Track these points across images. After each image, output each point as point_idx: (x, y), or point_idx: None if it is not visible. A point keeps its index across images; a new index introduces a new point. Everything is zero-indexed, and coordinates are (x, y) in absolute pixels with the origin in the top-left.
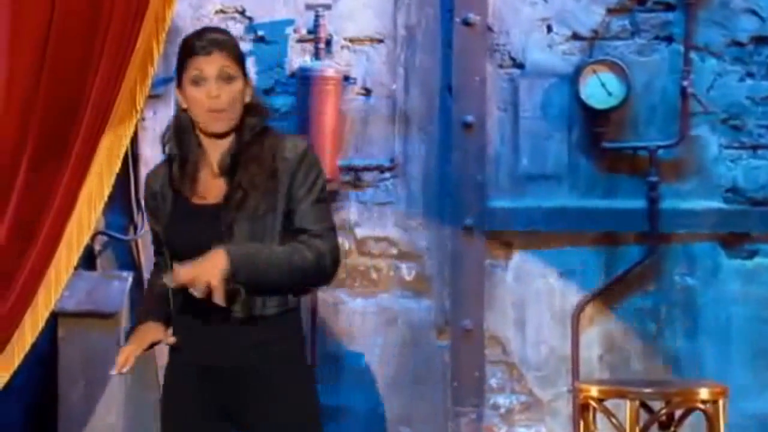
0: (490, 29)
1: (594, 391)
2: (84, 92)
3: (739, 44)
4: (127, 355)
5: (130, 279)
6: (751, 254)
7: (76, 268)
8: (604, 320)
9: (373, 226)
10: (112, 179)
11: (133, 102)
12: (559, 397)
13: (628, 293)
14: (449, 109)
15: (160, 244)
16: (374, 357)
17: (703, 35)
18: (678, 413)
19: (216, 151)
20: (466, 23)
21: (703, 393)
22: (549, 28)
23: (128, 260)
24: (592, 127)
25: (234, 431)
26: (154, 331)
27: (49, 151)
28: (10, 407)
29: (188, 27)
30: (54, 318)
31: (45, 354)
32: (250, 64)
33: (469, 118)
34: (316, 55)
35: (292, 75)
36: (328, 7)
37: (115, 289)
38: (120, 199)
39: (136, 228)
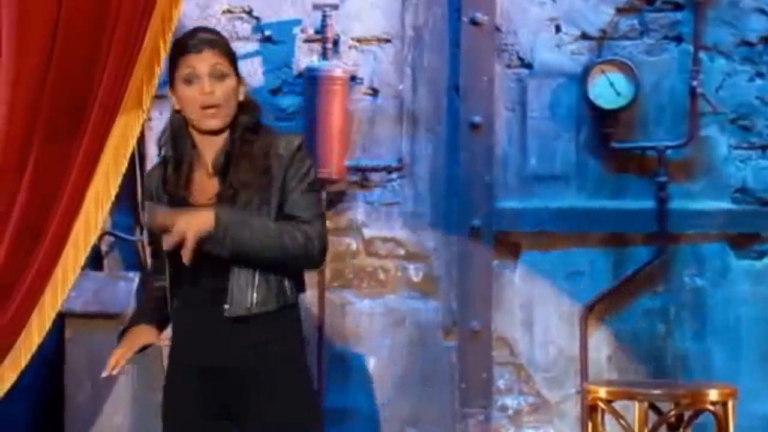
0: (498, 29)
1: (602, 392)
2: (91, 92)
3: (749, 44)
4: (118, 358)
5: (137, 280)
6: (761, 255)
7: (83, 269)
8: (613, 321)
9: (380, 226)
10: (119, 179)
11: (139, 101)
12: (567, 398)
13: (636, 294)
14: (457, 109)
15: (158, 246)
16: (381, 358)
17: (713, 35)
18: (687, 415)
19: (210, 150)
20: (474, 23)
21: (713, 394)
22: (557, 28)
23: (135, 261)
24: (601, 127)
25: (236, 431)
26: (146, 334)
27: (55, 151)
28: (17, 407)
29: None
30: (61, 318)
31: (52, 354)
32: (257, 64)
33: (477, 119)
34: (324, 55)
35: (300, 75)
36: (335, 7)
37: (122, 289)
38: (127, 199)
39: (142, 228)
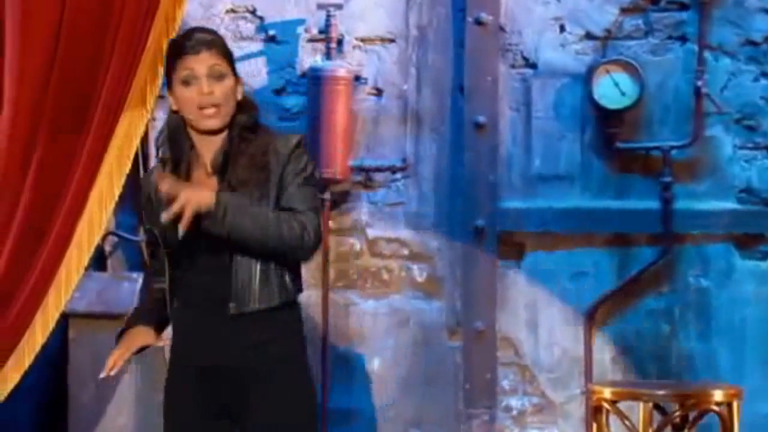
0: (502, 29)
1: (607, 393)
2: (94, 92)
3: (754, 44)
4: (116, 359)
5: (140, 280)
6: (766, 255)
7: (86, 269)
8: (617, 322)
9: (384, 226)
10: (123, 179)
11: (143, 101)
12: (571, 399)
13: (641, 294)
14: (461, 109)
15: (157, 247)
16: (385, 358)
17: (717, 35)
18: (692, 415)
19: (209, 150)
20: (479, 23)
21: (717, 395)
22: (562, 28)
23: (138, 261)
24: (605, 127)
25: (236, 431)
26: (143, 335)
27: (59, 151)
28: (20, 408)
29: None
30: (64, 319)
31: (55, 355)
32: (261, 64)
33: (481, 119)
34: (328, 55)
35: (303, 75)
36: (339, 6)
37: (126, 290)
38: (130, 200)
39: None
